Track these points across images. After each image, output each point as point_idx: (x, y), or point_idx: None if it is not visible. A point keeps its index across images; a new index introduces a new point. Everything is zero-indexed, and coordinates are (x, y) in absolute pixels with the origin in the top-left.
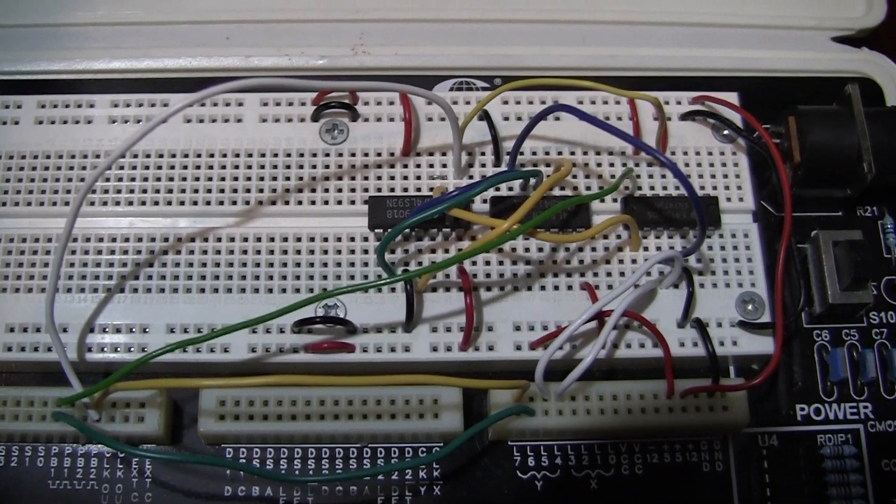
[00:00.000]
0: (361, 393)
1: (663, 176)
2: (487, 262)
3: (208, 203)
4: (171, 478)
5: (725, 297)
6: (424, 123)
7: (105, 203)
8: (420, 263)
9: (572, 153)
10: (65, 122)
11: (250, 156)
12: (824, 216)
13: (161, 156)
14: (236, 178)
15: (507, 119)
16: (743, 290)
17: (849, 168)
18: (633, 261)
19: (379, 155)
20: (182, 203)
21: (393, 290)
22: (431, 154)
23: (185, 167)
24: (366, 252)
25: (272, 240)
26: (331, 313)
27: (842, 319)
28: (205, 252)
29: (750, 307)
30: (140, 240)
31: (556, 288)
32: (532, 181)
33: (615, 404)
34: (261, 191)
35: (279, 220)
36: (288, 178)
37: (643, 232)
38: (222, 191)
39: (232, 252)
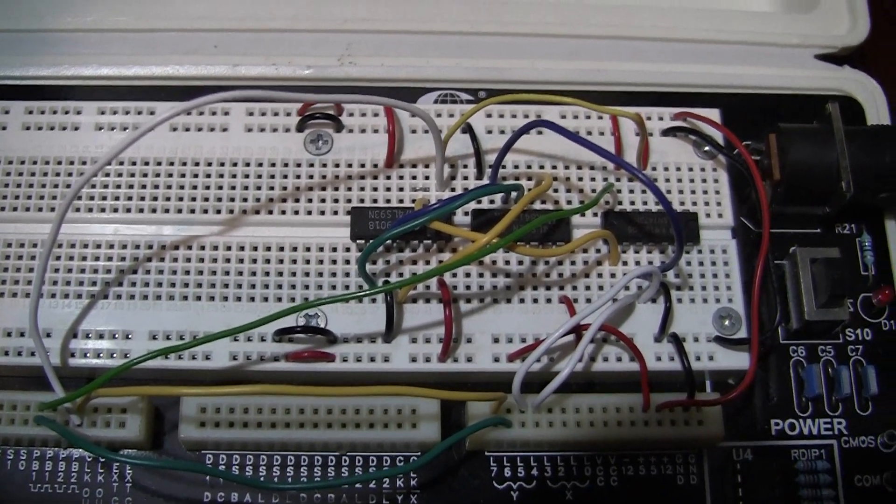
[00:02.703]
0: (340, 402)
1: (643, 191)
2: (467, 275)
3: (193, 211)
4: (152, 483)
5: (703, 312)
6: (408, 135)
7: (90, 210)
8: (401, 274)
9: (554, 167)
10: (52, 129)
11: (235, 165)
12: (802, 233)
13: (147, 163)
14: (221, 187)
15: (490, 132)
16: (720, 305)
17: (828, 186)
18: (612, 275)
19: (362, 166)
20: (167, 211)
21: (373, 300)
22: (414, 166)
23: (171, 175)
24: (347, 262)
25: (255, 248)
26: (312, 323)
27: (818, 336)
28: (188, 260)
29: (727, 322)
30: (125, 247)
31: (535, 301)
32: (513, 195)
33: (591, 417)
34: (245, 200)
35: (263, 230)
36: (272, 188)
37: (622, 246)
38: (207, 199)
39: (215, 260)
